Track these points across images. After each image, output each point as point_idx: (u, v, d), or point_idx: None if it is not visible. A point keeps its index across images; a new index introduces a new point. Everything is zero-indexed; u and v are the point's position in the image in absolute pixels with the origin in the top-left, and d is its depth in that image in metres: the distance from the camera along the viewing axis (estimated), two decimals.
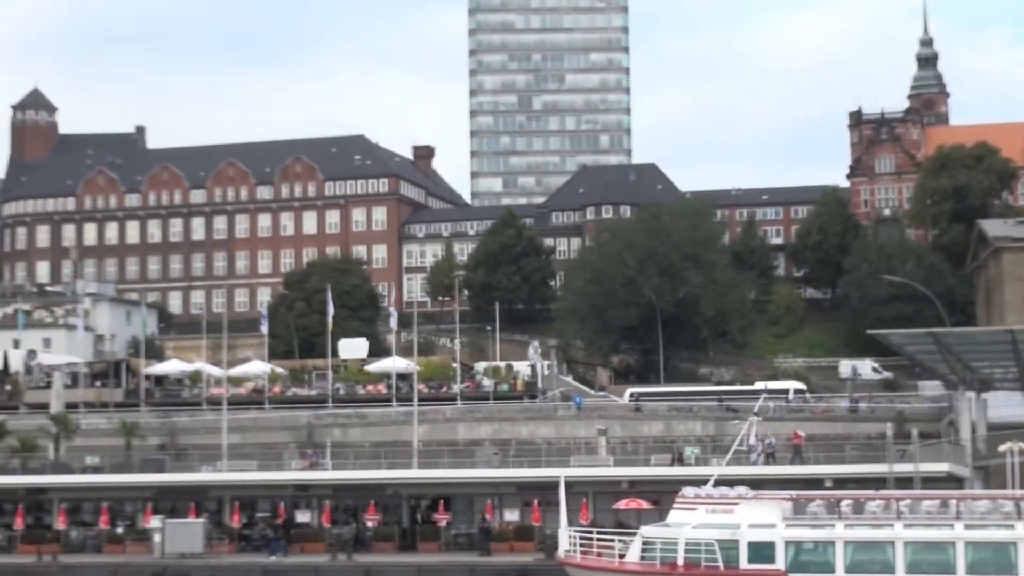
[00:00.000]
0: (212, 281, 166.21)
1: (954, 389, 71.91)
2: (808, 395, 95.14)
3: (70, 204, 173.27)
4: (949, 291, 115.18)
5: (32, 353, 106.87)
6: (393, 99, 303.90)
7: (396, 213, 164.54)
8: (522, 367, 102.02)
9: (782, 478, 59.10)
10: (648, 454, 72.14)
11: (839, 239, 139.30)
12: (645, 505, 61.60)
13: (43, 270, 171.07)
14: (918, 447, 60.16)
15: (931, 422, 78.83)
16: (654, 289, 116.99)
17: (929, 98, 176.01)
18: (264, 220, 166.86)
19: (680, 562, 46.12)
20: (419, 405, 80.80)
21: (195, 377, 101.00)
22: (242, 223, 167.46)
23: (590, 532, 50.10)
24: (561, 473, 55.52)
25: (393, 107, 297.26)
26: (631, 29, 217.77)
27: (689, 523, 47.05)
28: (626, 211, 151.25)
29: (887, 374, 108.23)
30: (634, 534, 48.92)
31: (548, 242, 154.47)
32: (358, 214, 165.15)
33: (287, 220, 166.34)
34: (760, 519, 46.48)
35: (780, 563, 45.48)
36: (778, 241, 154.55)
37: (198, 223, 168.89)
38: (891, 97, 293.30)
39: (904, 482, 56.85)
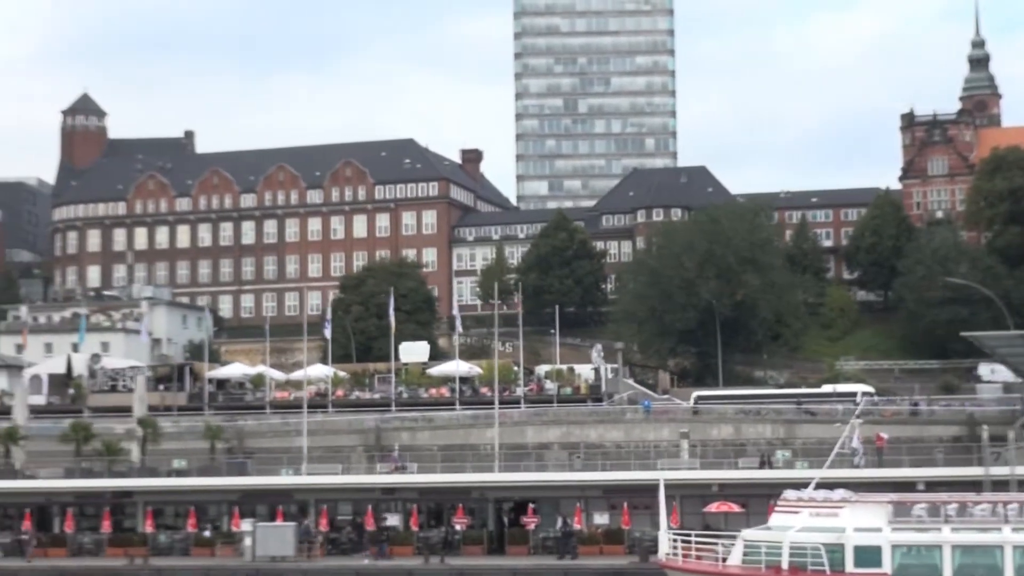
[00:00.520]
0: (262, 285, 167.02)
1: None
2: (876, 397, 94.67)
3: (121, 208, 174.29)
4: (1006, 293, 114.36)
5: (96, 357, 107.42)
6: (438, 102, 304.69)
7: (446, 216, 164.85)
8: (584, 370, 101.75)
9: (875, 481, 58.84)
10: (718, 457, 71.91)
11: (893, 241, 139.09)
12: (736, 508, 61.59)
13: (94, 274, 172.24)
14: (1015, 449, 59.83)
15: (1001, 424, 78.38)
16: (713, 292, 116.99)
17: (981, 99, 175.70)
18: (314, 224, 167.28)
19: (785, 566, 45.70)
20: (488, 408, 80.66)
21: (257, 380, 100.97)
22: (292, 227, 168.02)
23: (689, 535, 50.03)
24: (660, 476, 55.41)
25: (438, 111, 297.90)
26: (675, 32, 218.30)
27: (793, 526, 46.68)
28: (677, 214, 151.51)
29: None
30: (732, 537, 48.83)
31: (599, 245, 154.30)
32: (408, 218, 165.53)
33: (337, 224, 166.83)
34: (865, 522, 46.06)
35: (887, 567, 45.08)
36: (828, 243, 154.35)
37: (248, 227, 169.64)
38: (937, 98, 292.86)
39: (999, 485, 56.48)
